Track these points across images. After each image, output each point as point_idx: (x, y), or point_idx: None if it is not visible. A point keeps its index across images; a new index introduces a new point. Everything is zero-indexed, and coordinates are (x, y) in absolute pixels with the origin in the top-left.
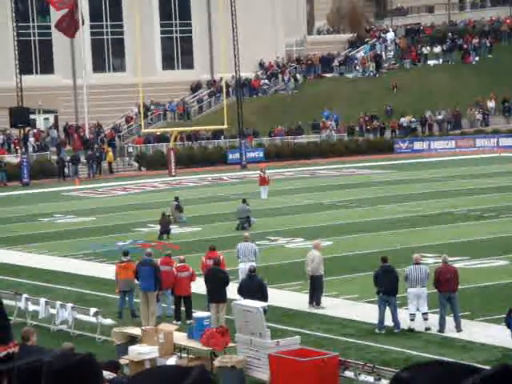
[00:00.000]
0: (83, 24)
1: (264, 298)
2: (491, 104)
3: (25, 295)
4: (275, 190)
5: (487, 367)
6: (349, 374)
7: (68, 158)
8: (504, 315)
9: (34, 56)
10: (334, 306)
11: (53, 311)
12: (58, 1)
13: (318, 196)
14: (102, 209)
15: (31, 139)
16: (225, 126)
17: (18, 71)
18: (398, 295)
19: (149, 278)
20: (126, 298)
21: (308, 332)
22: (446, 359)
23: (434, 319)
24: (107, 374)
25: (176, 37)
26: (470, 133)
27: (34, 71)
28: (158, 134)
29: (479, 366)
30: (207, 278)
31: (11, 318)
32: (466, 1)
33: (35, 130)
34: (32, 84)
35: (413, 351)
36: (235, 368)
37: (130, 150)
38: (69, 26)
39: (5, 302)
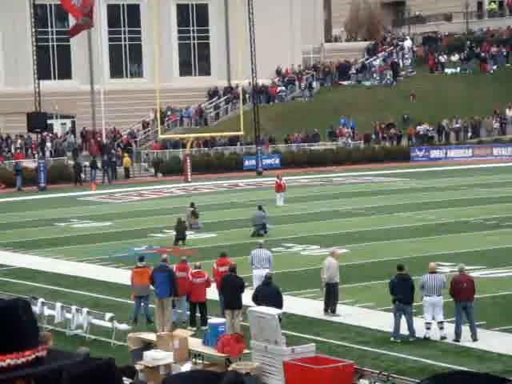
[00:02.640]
0: (91, 27)
1: (279, 305)
2: (509, 113)
3: (41, 300)
4: (291, 196)
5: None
6: (364, 382)
7: (85, 163)
8: None
9: (52, 61)
10: (349, 313)
11: (68, 316)
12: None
13: (334, 203)
14: (118, 214)
15: (48, 144)
16: (241, 133)
17: (36, 76)
18: (413, 304)
19: (164, 284)
20: (142, 304)
21: (323, 340)
22: (468, 369)
23: (449, 328)
24: (124, 380)
25: (193, 43)
26: (487, 141)
27: (52, 76)
28: (176, 139)
29: (508, 377)
30: (223, 285)
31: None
32: (484, 9)
33: (51, 135)
34: (50, 89)
35: (428, 360)
36: (250, 375)
37: (147, 155)
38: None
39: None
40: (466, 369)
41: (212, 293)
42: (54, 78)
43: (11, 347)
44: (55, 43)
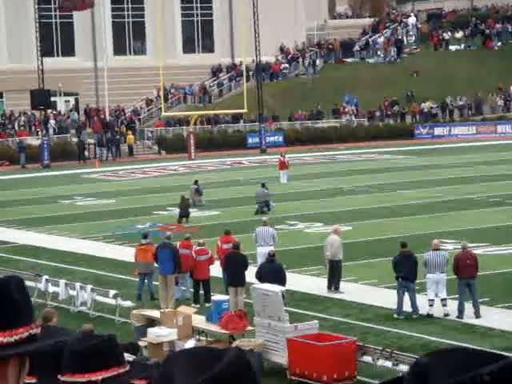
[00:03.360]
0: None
1: (282, 282)
2: None
3: (45, 276)
4: (295, 174)
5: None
6: (367, 358)
7: (89, 140)
8: None
9: (55, 38)
10: (352, 290)
11: (72, 293)
12: None
13: (338, 181)
14: (121, 191)
15: (52, 121)
16: (244, 110)
17: (39, 54)
18: (416, 281)
19: (168, 261)
20: (145, 281)
21: (326, 317)
22: (468, 346)
23: (453, 305)
24: (127, 356)
25: (197, 20)
26: (491, 119)
27: (55, 54)
28: (179, 117)
29: (506, 354)
30: (226, 262)
31: (31, 299)
32: None
33: (54, 112)
34: (53, 66)
35: (431, 337)
36: (253, 351)
37: (150, 133)
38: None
39: (25, 283)
40: (468, 345)
41: (216, 270)
42: (57, 55)
43: (3, 325)
44: (58, 20)
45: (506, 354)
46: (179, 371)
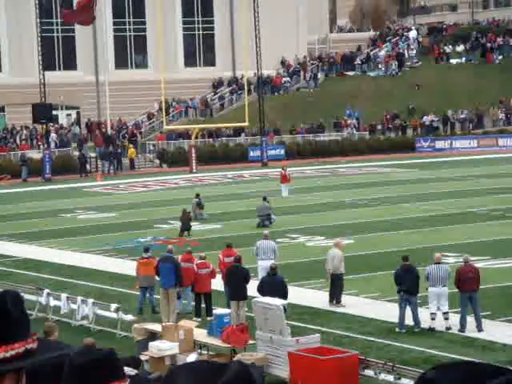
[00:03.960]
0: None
1: (284, 296)
2: None
3: (46, 290)
4: (296, 187)
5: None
6: (369, 372)
7: (90, 154)
8: None
9: (57, 52)
10: (354, 304)
11: (74, 306)
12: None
13: (339, 194)
14: (123, 205)
15: (53, 135)
16: (246, 124)
17: (41, 67)
18: (418, 294)
19: (169, 275)
20: (147, 294)
21: (328, 330)
22: (473, 360)
23: (454, 319)
24: (129, 370)
25: (198, 34)
26: (492, 132)
27: (57, 67)
28: (181, 131)
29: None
30: (228, 276)
31: (32, 313)
32: None
33: (56, 126)
34: (55, 80)
35: (433, 351)
36: (255, 365)
37: (152, 146)
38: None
39: (26, 296)
40: (471, 359)
41: (217, 283)
42: (59, 69)
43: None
44: (60, 34)
45: (509, 367)
46: None
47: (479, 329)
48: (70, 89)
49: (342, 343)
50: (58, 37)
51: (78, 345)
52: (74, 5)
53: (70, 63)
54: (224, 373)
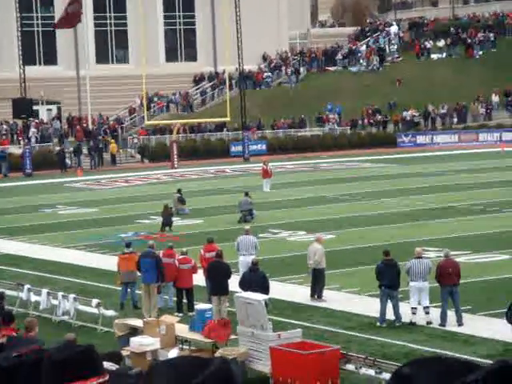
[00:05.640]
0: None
1: (265, 290)
2: (495, 98)
3: (27, 286)
4: (277, 182)
5: (488, 362)
6: (350, 367)
7: (71, 149)
8: (505, 310)
9: (37, 47)
10: (335, 299)
11: (55, 302)
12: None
13: (321, 189)
14: (104, 200)
15: (33, 130)
16: (227, 119)
17: (21, 62)
18: (399, 289)
19: (151, 270)
20: (128, 290)
21: (309, 325)
22: (445, 355)
23: (435, 313)
24: (110, 365)
25: (179, 29)
26: (473, 127)
27: (38, 62)
28: (162, 125)
29: (478, 361)
30: (209, 271)
31: (13, 309)
32: None
33: (36, 121)
34: (35, 75)
35: (414, 345)
36: (236, 360)
37: (133, 141)
38: (69, 19)
39: (7, 292)
40: (449, 355)
41: (199, 279)
42: (40, 64)
43: None
44: (40, 29)
45: (481, 360)
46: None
47: (460, 323)
48: (51, 83)
49: (324, 338)
50: (38, 31)
51: (59, 340)
52: (56, 5)
53: (50, 58)
54: (205, 369)
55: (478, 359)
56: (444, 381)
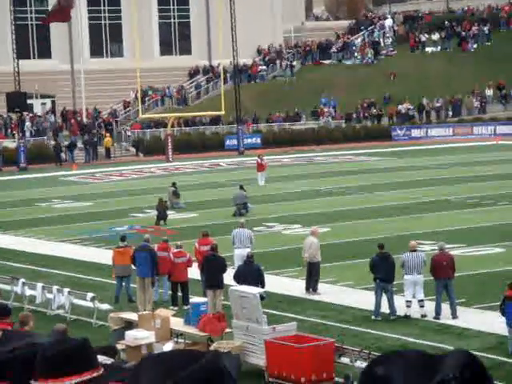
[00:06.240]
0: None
1: (261, 284)
2: (489, 92)
3: (22, 280)
4: (272, 176)
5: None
6: (345, 360)
7: (65, 143)
8: (499, 302)
9: (31, 41)
10: (330, 292)
11: (50, 296)
12: None
13: (315, 183)
14: (99, 194)
15: (28, 124)
16: (222, 112)
17: (15, 56)
18: (394, 282)
19: (146, 264)
20: (123, 284)
21: (304, 318)
22: (406, 350)
23: (430, 306)
24: (104, 359)
25: (174, 22)
26: (467, 120)
27: (32, 56)
28: (157, 119)
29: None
30: (204, 264)
31: (8, 303)
32: None
33: (31, 115)
34: (29, 69)
35: (409, 338)
36: (231, 354)
37: (128, 135)
38: (60, 13)
39: (1, 286)
40: (445, 347)
41: (194, 272)
42: (34, 58)
43: None
44: (34, 22)
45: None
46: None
47: (454, 316)
48: (45, 77)
49: (319, 331)
50: (32, 25)
51: (49, 333)
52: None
53: (44, 52)
54: (195, 362)
55: (474, 352)
56: (420, 376)
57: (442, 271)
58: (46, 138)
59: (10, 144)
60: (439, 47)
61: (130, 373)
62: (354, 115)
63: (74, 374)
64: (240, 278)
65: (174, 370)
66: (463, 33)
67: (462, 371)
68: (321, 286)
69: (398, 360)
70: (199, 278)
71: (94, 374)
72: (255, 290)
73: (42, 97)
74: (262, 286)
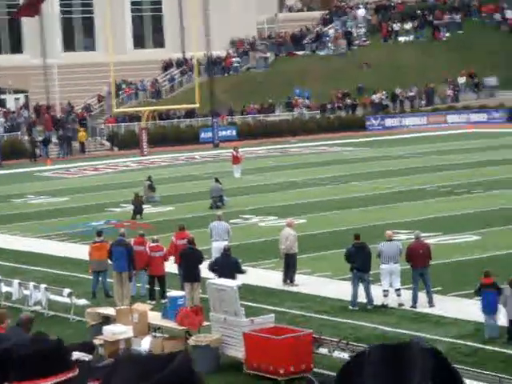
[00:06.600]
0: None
1: (239, 273)
2: (461, 80)
3: None
4: (248, 168)
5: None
6: (323, 350)
7: (40, 138)
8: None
9: (2, 35)
10: (307, 283)
11: (26, 292)
12: None
13: (291, 174)
14: (74, 189)
15: (1, 119)
16: (196, 105)
17: None
18: (371, 272)
19: (122, 258)
20: (100, 279)
21: (282, 310)
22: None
23: (407, 295)
24: (82, 356)
25: (146, 15)
26: (441, 109)
27: (3, 51)
28: (131, 113)
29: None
30: (182, 258)
31: None
32: None
33: (4, 110)
34: (1, 64)
35: (386, 327)
36: (210, 347)
37: (102, 129)
38: (31, 8)
39: None
40: (422, 335)
41: (171, 266)
42: (6, 53)
43: None
44: (5, 17)
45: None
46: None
47: (431, 304)
48: (18, 72)
49: (297, 322)
50: (3, 19)
51: (32, 331)
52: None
53: (16, 46)
54: (169, 363)
55: (451, 340)
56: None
57: (418, 260)
58: (19, 133)
59: None
60: (412, 36)
61: (105, 372)
62: (329, 106)
63: (49, 375)
64: (215, 269)
65: (148, 373)
66: (435, 22)
67: (433, 377)
68: (298, 278)
69: (367, 367)
70: (176, 271)
71: (70, 375)
72: (233, 283)
73: (15, 92)
74: (241, 273)
